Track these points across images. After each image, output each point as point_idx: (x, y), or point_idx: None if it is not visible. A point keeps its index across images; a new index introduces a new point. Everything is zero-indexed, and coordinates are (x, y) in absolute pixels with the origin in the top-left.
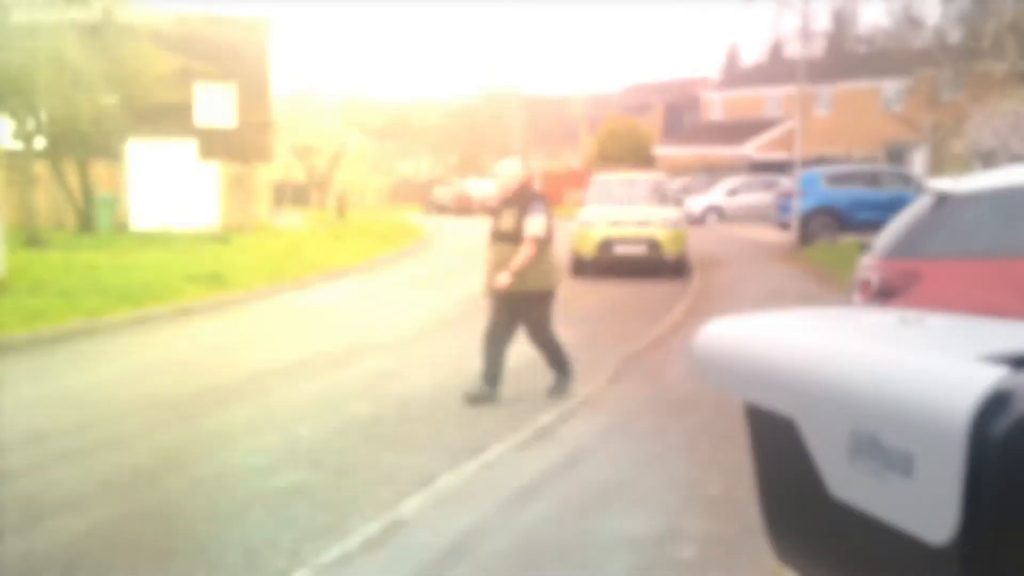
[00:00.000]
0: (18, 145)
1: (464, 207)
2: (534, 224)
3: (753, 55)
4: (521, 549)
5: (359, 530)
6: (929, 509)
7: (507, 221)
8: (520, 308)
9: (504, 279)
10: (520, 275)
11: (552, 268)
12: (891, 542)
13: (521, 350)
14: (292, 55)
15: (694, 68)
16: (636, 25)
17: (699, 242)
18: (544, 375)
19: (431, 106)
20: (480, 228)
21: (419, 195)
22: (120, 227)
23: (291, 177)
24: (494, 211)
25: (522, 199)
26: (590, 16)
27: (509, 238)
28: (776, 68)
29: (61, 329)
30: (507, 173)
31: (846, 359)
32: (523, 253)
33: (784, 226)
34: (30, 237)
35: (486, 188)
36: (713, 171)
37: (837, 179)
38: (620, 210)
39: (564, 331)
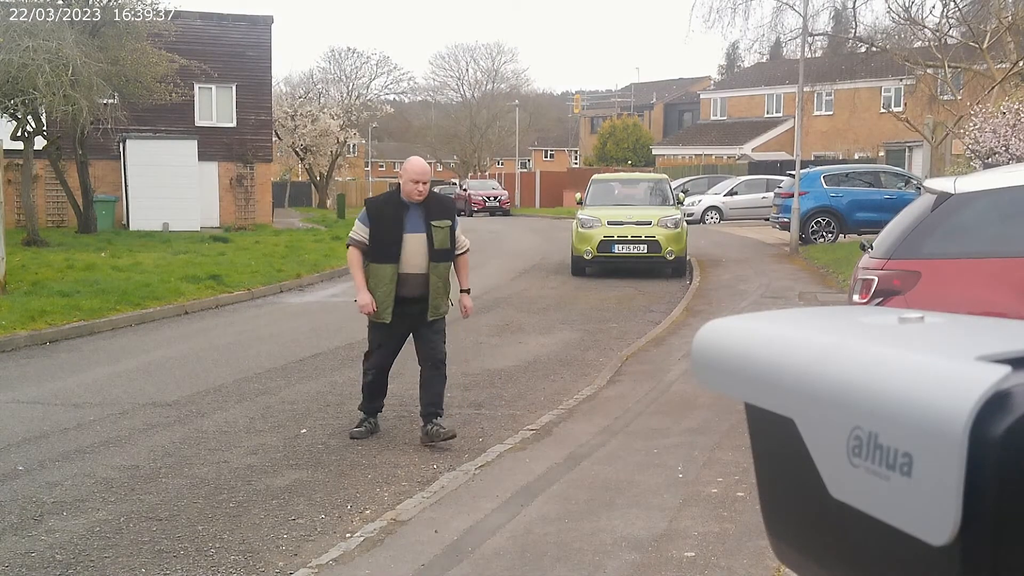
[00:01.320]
0: (18, 145)
1: (464, 207)
2: (463, 237)
3: (753, 55)
4: (521, 549)
5: (359, 530)
6: (928, 510)
7: (441, 236)
8: (425, 328)
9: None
10: (444, 294)
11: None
12: (891, 543)
13: (521, 351)
14: (292, 53)
15: (694, 68)
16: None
17: (699, 242)
18: (544, 374)
19: (431, 106)
20: (479, 228)
21: None
22: (120, 227)
23: (291, 177)
24: (387, 215)
25: (446, 209)
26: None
27: (446, 256)
28: (776, 68)
29: (61, 329)
30: (426, 171)
31: (845, 359)
32: (467, 269)
33: (784, 226)
34: (30, 237)
35: (486, 188)
36: (713, 172)
37: (837, 179)
38: (620, 210)
39: (564, 331)
